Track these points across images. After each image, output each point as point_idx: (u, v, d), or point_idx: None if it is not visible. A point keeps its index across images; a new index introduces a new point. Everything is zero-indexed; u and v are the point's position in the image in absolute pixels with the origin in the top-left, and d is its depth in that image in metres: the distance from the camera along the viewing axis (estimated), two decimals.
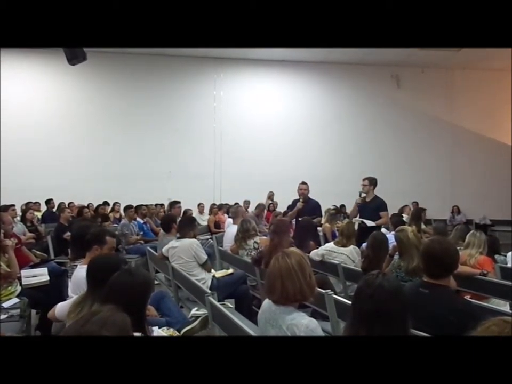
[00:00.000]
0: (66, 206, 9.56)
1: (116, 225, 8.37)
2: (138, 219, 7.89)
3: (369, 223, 5.60)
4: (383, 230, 5.69)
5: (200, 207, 10.98)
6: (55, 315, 2.77)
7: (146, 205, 9.00)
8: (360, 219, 5.88)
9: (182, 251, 4.45)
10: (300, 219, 5.79)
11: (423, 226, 7.04)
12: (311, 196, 6.34)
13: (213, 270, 4.79)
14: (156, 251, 5.30)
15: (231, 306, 4.02)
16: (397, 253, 3.85)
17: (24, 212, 8.09)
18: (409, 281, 3.60)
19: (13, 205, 7.35)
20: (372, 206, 5.92)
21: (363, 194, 6.11)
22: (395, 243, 3.96)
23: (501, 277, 4.14)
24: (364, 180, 6.10)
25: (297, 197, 6.33)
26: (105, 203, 10.12)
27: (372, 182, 6.06)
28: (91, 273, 2.51)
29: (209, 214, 10.33)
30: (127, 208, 7.83)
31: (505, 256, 4.82)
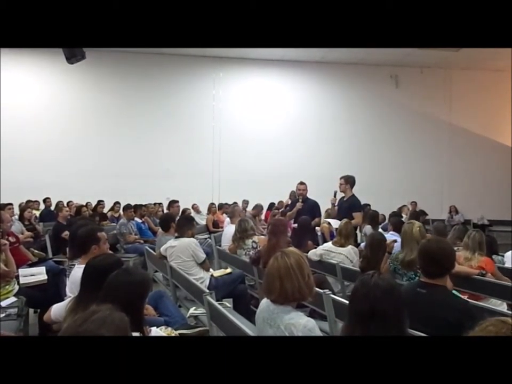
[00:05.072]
0: (65, 204, 9.56)
1: (114, 224, 8.36)
2: (136, 219, 7.89)
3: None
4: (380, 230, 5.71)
5: (195, 207, 10.98)
6: (51, 317, 2.75)
7: (145, 205, 8.99)
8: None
9: (180, 250, 4.45)
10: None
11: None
12: (309, 195, 6.35)
13: (211, 269, 4.79)
14: (154, 250, 5.30)
15: (229, 305, 4.02)
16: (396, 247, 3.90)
17: (22, 210, 8.07)
18: (403, 274, 3.65)
19: (10, 204, 7.35)
20: (346, 206, 5.85)
21: (338, 194, 6.07)
22: (390, 241, 4.02)
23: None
24: (340, 178, 6.02)
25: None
26: (100, 201, 10.09)
27: (348, 180, 5.95)
28: (88, 274, 2.50)
29: (208, 214, 10.33)
30: (126, 207, 7.83)
31: (503, 256, 4.83)
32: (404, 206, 10.75)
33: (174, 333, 2.70)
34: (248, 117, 12.79)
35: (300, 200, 6.21)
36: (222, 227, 8.63)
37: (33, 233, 7.06)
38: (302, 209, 6.06)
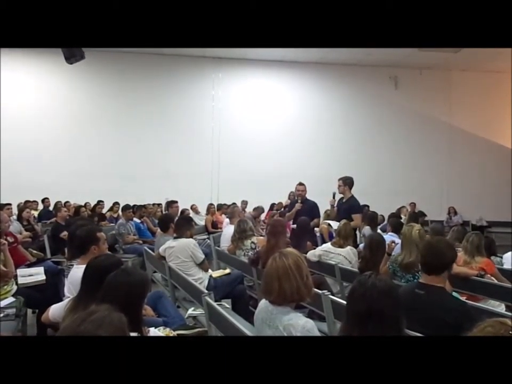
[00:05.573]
0: (63, 205, 9.55)
1: (113, 224, 8.36)
2: (135, 219, 7.88)
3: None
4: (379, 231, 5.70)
5: (193, 207, 10.98)
6: (49, 317, 2.75)
7: (144, 205, 8.97)
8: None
9: (179, 251, 4.45)
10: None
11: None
12: (309, 196, 6.34)
13: (210, 270, 4.79)
14: (153, 251, 5.29)
15: (228, 306, 4.02)
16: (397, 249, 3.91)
17: (21, 210, 8.06)
18: (402, 276, 3.65)
19: (9, 204, 7.34)
20: (345, 207, 5.81)
21: (337, 196, 6.05)
22: (389, 241, 4.01)
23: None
24: (338, 180, 5.98)
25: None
26: (100, 202, 10.09)
27: (346, 181, 5.89)
28: (89, 274, 2.49)
29: (207, 214, 10.32)
30: (125, 208, 7.82)
31: (501, 257, 4.83)
32: (403, 207, 10.75)
33: (173, 334, 2.69)
34: (248, 117, 12.78)
35: (299, 201, 6.20)
36: (221, 228, 8.63)
37: (31, 234, 7.05)
38: (301, 210, 6.05)
